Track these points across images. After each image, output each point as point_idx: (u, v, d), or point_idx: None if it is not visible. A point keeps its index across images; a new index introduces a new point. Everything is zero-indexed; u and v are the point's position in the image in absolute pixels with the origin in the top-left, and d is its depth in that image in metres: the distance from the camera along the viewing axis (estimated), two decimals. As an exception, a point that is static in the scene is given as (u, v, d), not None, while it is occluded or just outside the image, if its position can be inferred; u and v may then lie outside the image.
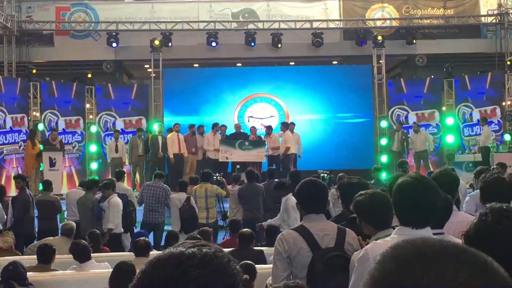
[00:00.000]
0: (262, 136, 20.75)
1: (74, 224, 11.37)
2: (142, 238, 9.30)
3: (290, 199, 11.90)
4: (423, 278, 1.11)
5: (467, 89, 22.41)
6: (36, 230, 13.66)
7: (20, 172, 18.60)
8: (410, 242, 1.20)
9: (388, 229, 4.34)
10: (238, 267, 1.54)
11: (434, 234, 4.13)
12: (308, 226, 4.92)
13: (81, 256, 8.50)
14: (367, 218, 4.45)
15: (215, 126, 20.69)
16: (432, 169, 18.36)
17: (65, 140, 21.23)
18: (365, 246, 4.32)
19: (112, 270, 7.12)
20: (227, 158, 19.85)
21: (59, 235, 11.34)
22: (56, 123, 21.47)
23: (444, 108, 22.69)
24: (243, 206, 14.04)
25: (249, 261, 7.22)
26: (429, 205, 3.72)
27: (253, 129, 20.93)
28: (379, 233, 4.33)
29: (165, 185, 14.35)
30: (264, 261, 8.80)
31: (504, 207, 3.00)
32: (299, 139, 20.60)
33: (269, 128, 20.79)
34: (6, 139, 20.28)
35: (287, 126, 20.56)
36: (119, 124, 22.24)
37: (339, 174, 15.27)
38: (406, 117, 22.47)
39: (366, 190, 4.80)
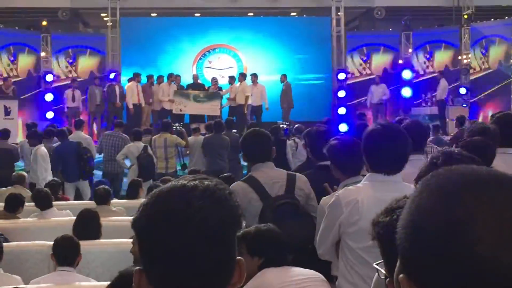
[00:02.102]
0: (222, 88, 20.75)
1: (24, 173, 11.38)
2: (102, 186, 9.31)
3: (40, 149, 12.66)
4: (474, 207, 1.06)
5: (424, 42, 22.58)
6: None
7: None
8: (454, 171, 1.15)
9: (357, 176, 4.41)
10: (238, 200, 1.57)
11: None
12: (257, 175, 4.95)
13: (43, 203, 8.50)
14: (338, 163, 4.52)
15: (170, 76, 20.58)
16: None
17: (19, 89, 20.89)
18: (333, 192, 4.38)
19: (75, 217, 7.14)
20: (181, 110, 19.75)
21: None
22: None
23: (401, 61, 22.84)
24: (208, 156, 14.02)
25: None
26: (400, 151, 3.79)
27: (214, 80, 20.87)
28: (348, 179, 4.40)
29: (124, 134, 14.33)
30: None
31: (456, 151, 3.09)
32: (264, 91, 20.54)
33: (231, 79, 20.71)
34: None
35: (244, 76, 20.55)
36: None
37: (296, 125, 15.43)
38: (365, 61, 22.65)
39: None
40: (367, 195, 3.75)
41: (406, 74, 22.18)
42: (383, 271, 1.85)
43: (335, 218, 3.85)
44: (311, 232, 4.44)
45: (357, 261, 3.75)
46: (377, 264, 1.92)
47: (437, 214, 1.09)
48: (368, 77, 22.49)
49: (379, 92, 20.79)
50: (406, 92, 22.03)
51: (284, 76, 21.29)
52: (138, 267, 1.54)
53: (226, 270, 1.53)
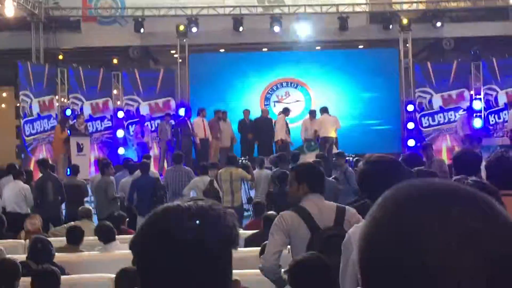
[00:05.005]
0: (290, 121, 20.86)
1: (90, 207, 11.73)
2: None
3: None
4: (423, 216, 1.06)
5: (495, 72, 22.18)
6: (64, 214, 13.91)
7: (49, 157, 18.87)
8: (412, 184, 1.14)
9: None
10: (235, 220, 1.61)
11: None
12: (306, 206, 4.99)
13: (106, 237, 8.67)
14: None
15: (286, 111, 20.80)
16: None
17: (93, 127, 21.40)
18: None
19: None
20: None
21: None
22: (81, 108, 21.56)
23: (471, 92, 22.48)
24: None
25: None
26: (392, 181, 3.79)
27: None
28: None
29: (186, 167, 14.57)
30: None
31: (468, 178, 3.04)
32: (337, 122, 20.43)
33: (312, 113, 20.63)
34: (33, 128, 20.42)
35: (325, 110, 20.31)
36: (144, 109, 22.31)
37: (355, 158, 15.38)
38: (430, 102, 22.23)
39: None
40: None
41: (477, 105, 21.82)
42: None
43: (347, 256, 3.79)
44: None
45: None
46: None
47: (386, 225, 1.09)
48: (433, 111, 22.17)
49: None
50: (477, 122, 21.64)
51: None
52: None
53: None
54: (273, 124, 20.53)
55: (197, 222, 1.52)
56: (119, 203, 13.62)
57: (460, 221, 1.05)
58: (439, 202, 1.08)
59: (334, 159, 14.13)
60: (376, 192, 3.87)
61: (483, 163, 8.91)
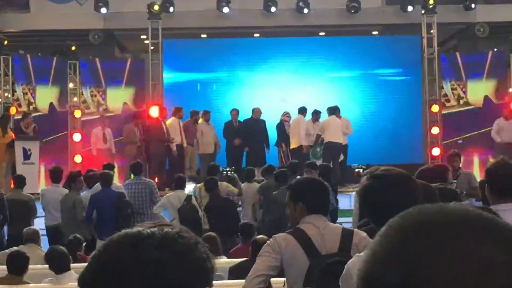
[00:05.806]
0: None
1: (37, 229, 11.61)
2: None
3: None
4: (433, 251, 1.07)
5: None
6: (6, 236, 13.82)
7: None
8: (421, 209, 1.16)
9: None
10: (208, 251, 1.58)
11: None
12: (305, 228, 4.99)
13: (58, 265, 8.59)
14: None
15: (302, 111, 20.94)
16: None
17: (44, 129, 21.29)
18: None
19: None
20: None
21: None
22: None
23: (510, 90, 22.53)
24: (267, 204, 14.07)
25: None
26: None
27: (287, 115, 20.94)
28: None
29: (147, 179, 14.60)
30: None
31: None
32: (349, 126, 20.52)
33: (316, 113, 20.57)
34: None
35: (332, 111, 20.26)
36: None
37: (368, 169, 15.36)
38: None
39: None
40: None
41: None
42: None
43: None
44: None
45: None
46: None
47: (390, 261, 1.10)
48: (465, 108, 22.22)
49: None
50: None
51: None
52: None
53: None
54: (266, 126, 20.54)
55: (159, 253, 1.50)
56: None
57: (476, 251, 1.07)
58: (451, 232, 1.09)
59: (305, 170, 14.20)
60: (380, 213, 3.87)
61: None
